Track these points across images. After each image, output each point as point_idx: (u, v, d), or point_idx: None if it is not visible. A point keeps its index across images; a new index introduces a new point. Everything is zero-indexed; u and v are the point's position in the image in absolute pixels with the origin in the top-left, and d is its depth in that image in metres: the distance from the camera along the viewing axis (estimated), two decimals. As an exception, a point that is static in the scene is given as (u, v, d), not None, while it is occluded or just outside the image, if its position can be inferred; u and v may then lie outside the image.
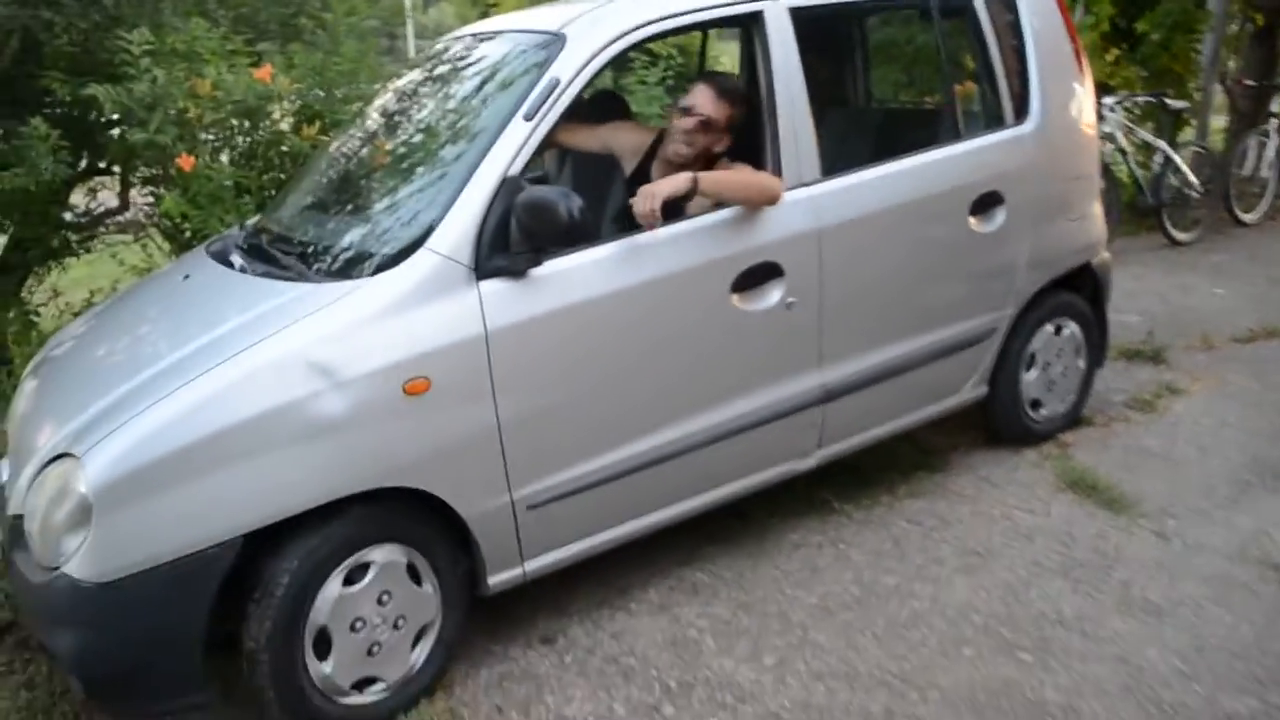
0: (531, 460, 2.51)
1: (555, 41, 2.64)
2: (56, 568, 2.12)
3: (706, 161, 2.91)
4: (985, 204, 3.25)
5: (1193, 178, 6.62)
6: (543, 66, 2.57)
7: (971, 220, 3.23)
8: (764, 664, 2.56)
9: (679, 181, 2.63)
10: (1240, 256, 6.37)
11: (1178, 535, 3.07)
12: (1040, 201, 3.41)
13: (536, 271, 2.45)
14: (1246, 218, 7.14)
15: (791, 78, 2.87)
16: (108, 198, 5.38)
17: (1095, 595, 2.78)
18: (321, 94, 4.60)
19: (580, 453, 2.60)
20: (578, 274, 2.53)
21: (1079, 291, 3.71)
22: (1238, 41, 8.08)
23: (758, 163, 2.88)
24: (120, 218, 5.34)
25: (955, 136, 3.28)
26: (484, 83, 2.80)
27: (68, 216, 5.08)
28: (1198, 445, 3.66)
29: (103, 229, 5.31)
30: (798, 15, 2.92)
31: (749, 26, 2.99)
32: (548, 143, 3.26)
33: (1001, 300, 3.41)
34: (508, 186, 2.41)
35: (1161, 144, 6.59)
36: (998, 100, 3.35)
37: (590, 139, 3.20)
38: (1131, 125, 6.59)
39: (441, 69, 3.08)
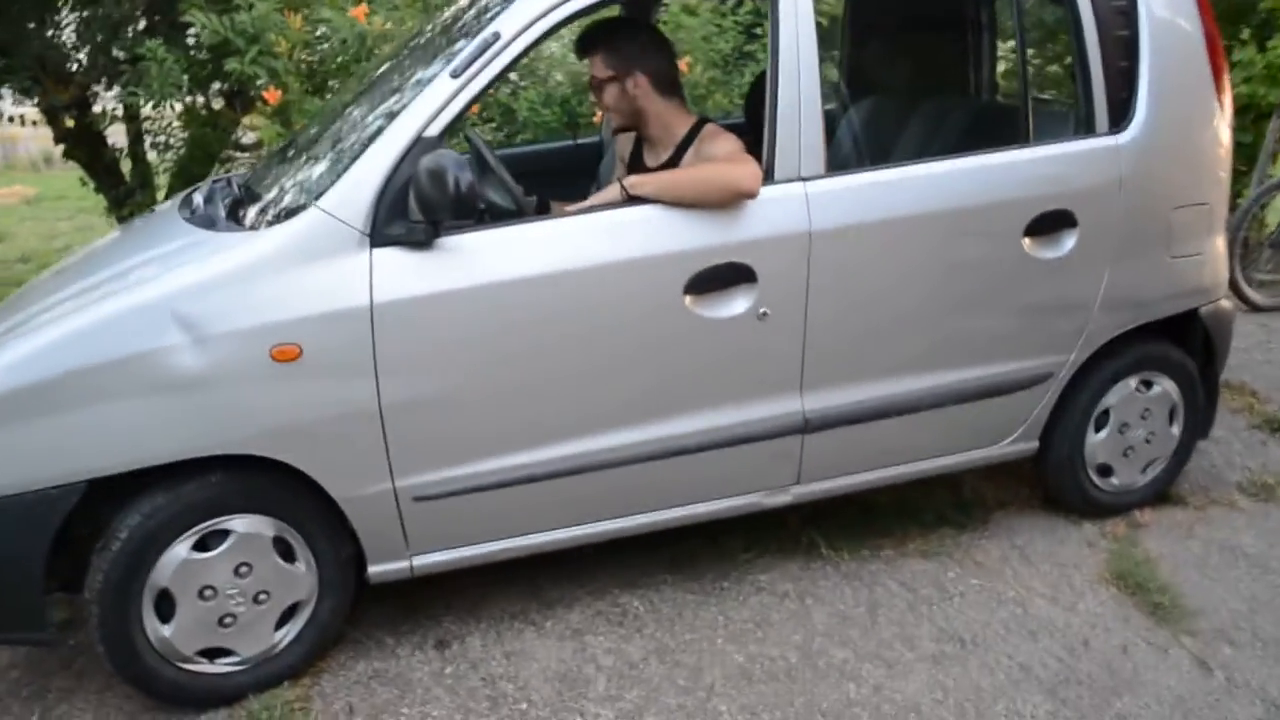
0: (420, 449, 2.30)
1: (511, -9, 2.38)
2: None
3: (655, 117, 2.63)
4: (1048, 224, 2.71)
5: None
6: (487, 19, 2.33)
7: (1026, 241, 2.70)
8: (639, 721, 2.24)
9: (607, 195, 2.42)
10: None
11: (1224, 668, 2.43)
12: (1130, 229, 2.80)
13: (445, 243, 2.23)
14: None
15: (800, 55, 2.46)
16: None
17: (1078, 721, 2.25)
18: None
19: (483, 449, 2.36)
20: (494, 252, 2.27)
21: (1183, 344, 3.06)
22: None
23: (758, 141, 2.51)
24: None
25: (1020, 140, 2.75)
26: (439, 35, 2.60)
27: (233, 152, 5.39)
28: (1313, 554, 2.93)
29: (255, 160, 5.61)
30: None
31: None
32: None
33: (1064, 342, 2.84)
34: (421, 147, 2.19)
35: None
36: (1089, 101, 2.77)
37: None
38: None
39: (441, 21, 2.89)
